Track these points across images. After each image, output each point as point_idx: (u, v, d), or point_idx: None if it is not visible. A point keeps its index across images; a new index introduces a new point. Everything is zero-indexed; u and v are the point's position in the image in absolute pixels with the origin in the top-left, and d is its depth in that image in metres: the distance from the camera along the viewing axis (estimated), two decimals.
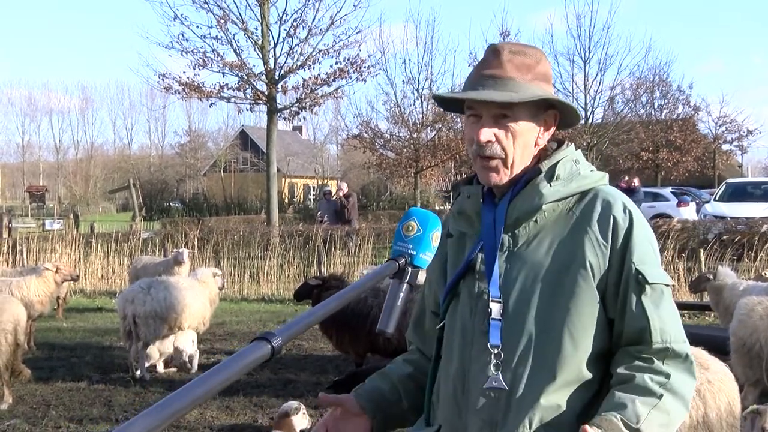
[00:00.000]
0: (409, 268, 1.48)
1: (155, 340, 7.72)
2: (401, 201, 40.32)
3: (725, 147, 41.99)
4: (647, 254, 1.70)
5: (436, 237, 1.50)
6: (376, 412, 1.88)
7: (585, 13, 30.61)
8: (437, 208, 37.40)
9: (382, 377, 1.97)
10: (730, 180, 22.51)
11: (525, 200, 1.75)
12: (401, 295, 1.47)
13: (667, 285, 1.71)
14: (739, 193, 19.32)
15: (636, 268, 1.67)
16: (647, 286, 1.66)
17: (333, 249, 14.30)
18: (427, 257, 1.50)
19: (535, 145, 1.80)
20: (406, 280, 1.48)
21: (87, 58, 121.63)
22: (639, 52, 34.13)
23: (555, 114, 1.82)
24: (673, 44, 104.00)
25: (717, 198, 19.56)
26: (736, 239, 12.20)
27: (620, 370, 1.66)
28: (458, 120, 29.93)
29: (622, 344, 1.69)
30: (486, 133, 1.74)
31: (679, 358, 1.66)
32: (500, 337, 1.70)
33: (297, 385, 7.19)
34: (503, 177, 1.77)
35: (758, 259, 11.81)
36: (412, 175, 28.14)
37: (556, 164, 1.77)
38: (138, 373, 7.64)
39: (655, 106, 36.28)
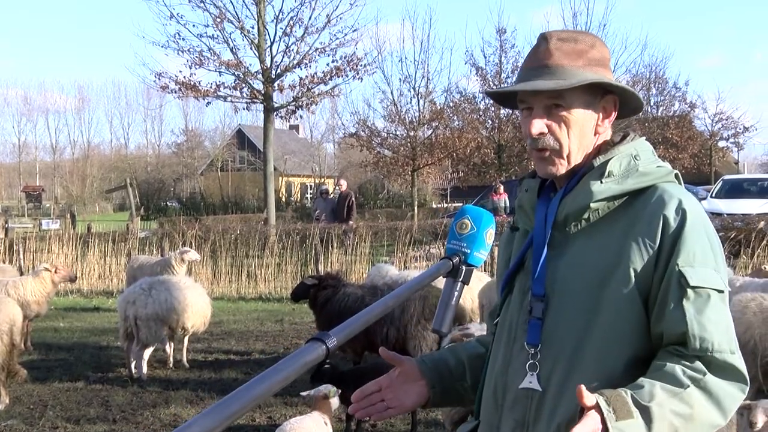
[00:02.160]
0: (464, 267, 1.46)
1: (155, 342, 7.70)
2: (398, 199, 40.34)
3: (722, 144, 42.02)
4: (698, 256, 1.55)
5: (490, 235, 1.49)
6: (436, 383, 1.82)
7: (581, 10, 30.55)
8: (434, 206, 37.43)
9: (452, 351, 1.91)
10: (727, 177, 22.53)
11: (575, 198, 1.66)
12: (455, 293, 1.46)
13: (720, 290, 1.55)
14: (736, 190, 19.30)
15: (679, 270, 1.54)
16: (689, 290, 1.53)
17: (330, 247, 14.30)
18: (481, 255, 1.48)
19: (595, 134, 1.70)
20: (461, 279, 1.46)
21: (83, 57, 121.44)
22: (635, 49, 34.27)
23: (614, 99, 1.72)
24: (672, 40, 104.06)
25: (714, 195, 19.55)
26: (733, 236, 12.20)
27: (654, 361, 1.55)
28: (455, 118, 30.00)
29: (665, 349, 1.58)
30: (537, 125, 1.66)
31: (722, 369, 1.51)
32: (539, 337, 1.64)
33: (295, 384, 7.17)
34: (560, 168, 1.69)
35: (755, 255, 11.83)
36: (409, 173, 28.12)
37: (609, 160, 1.66)
38: (135, 373, 7.63)
39: (652, 103, 36.26)
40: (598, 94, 1.69)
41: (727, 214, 15.06)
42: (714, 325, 1.52)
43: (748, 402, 3.99)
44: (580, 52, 1.67)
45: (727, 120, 40.14)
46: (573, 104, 1.66)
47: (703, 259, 1.56)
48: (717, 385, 1.50)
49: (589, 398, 1.40)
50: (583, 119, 1.68)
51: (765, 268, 9.06)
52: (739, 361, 1.53)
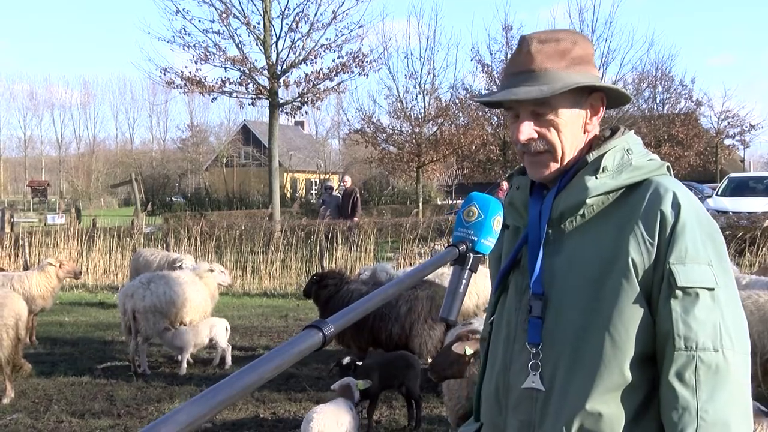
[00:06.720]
0: (471, 254, 1.43)
1: (155, 334, 7.72)
2: (403, 196, 40.32)
3: (727, 142, 41.92)
4: (690, 251, 1.55)
5: (497, 222, 1.46)
6: None
7: (588, 7, 30.64)
8: (439, 202, 37.40)
9: None
10: (733, 175, 22.42)
11: (570, 194, 1.66)
12: (463, 281, 1.42)
13: (709, 288, 1.53)
14: (742, 188, 19.23)
15: (669, 268, 1.54)
16: (677, 290, 1.53)
17: (335, 244, 14.31)
18: (489, 243, 1.45)
19: (584, 132, 1.70)
20: (468, 267, 1.43)
21: (89, 52, 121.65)
22: (642, 47, 34.25)
23: (601, 96, 1.71)
24: (680, 38, 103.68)
25: (719, 193, 19.48)
26: (739, 234, 12.16)
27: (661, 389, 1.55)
28: (460, 115, 29.96)
29: (658, 348, 1.57)
30: (525, 131, 1.65)
31: (708, 370, 1.51)
32: (540, 336, 1.63)
33: (299, 380, 7.19)
34: (552, 170, 1.69)
35: (760, 253, 11.80)
36: (414, 169, 28.12)
37: (603, 155, 1.66)
38: (140, 367, 7.65)
39: (657, 101, 36.23)
40: (584, 93, 1.68)
41: (733, 213, 15.02)
42: (700, 323, 1.52)
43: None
44: (562, 52, 1.65)
45: (733, 118, 40.08)
46: (559, 106, 1.65)
47: (695, 254, 1.55)
48: (716, 405, 1.51)
49: None
50: (571, 119, 1.67)
51: None
52: (722, 360, 1.53)
